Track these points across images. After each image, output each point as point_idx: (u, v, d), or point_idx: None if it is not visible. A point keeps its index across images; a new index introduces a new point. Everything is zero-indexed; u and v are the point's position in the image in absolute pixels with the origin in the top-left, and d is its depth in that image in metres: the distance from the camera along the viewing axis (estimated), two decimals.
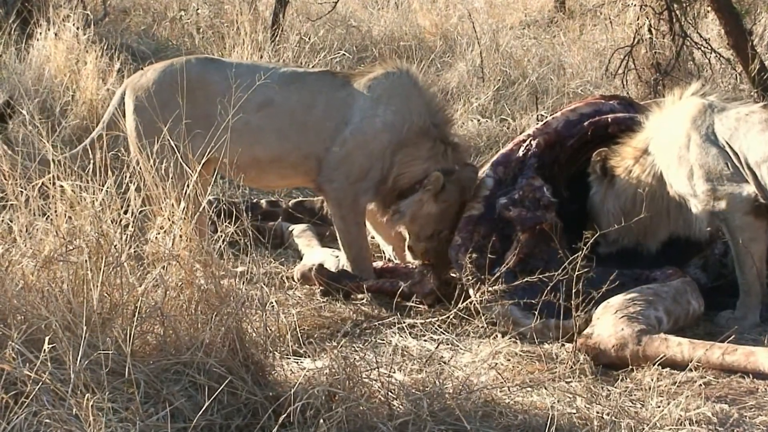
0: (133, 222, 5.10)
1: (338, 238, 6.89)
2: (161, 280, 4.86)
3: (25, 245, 4.89)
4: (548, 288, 5.53)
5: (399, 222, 6.73)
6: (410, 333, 5.90)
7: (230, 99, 6.23)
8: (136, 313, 4.65)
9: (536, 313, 5.66)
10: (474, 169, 6.84)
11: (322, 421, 4.42)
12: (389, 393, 4.72)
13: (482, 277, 5.97)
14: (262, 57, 10.49)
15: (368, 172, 6.69)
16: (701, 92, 6.51)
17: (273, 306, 5.44)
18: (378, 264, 6.88)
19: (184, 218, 5.14)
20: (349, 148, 6.65)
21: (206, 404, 4.46)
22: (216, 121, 6.39)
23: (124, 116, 6.82)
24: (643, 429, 4.71)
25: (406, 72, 6.83)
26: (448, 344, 5.85)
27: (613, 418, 4.81)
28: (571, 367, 5.47)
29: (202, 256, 4.98)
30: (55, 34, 9.92)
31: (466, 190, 6.67)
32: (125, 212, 5.07)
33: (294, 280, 7.00)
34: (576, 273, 5.42)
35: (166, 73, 6.86)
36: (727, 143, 6.23)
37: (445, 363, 5.31)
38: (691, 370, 5.43)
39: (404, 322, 5.92)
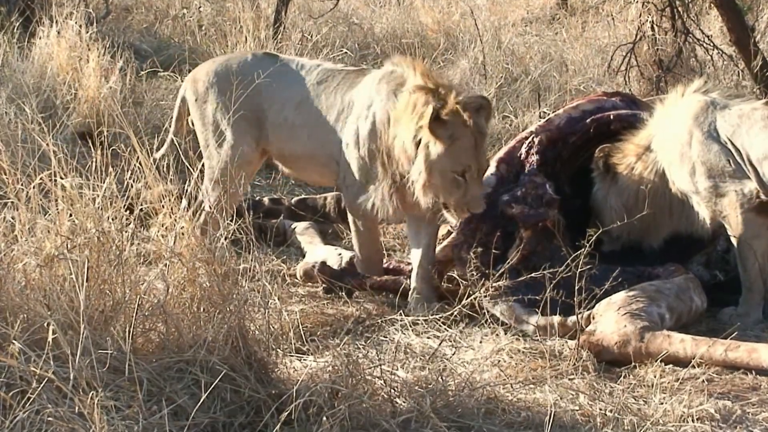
0: (135, 220, 5.12)
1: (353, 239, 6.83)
2: (163, 278, 4.86)
3: (27, 243, 4.90)
4: (551, 285, 5.52)
5: (418, 184, 6.18)
6: (413, 330, 5.90)
7: (274, 95, 6.63)
8: (136, 312, 4.64)
9: (539, 310, 5.66)
10: (468, 91, 6.70)
11: (324, 418, 4.43)
12: (392, 390, 4.73)
13: (486, 272, 5.97)
14: None
15: (368, 175, 6.46)
16: (703, 89, 6.51)
17: (275, 304, 5.43)
18: None
19: (186, 216, 5.15)
20: (350, 149, 6.54)
21: (209, 402, 4.47)
22: (267, 116, 6.72)
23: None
24: (646, 425, 4.71)
25: (395, 64, 6.57)
26: (450, 341, 5.84)
27: (615, 414, 4.82)
28: (574, 364, 5.48)
29: (204, 254, 4.98)
30: (58, 32, 9.92)
31: (469, 112, 6.12)
32: (127, 209, 5.07)
33: (297, 278, 7.00)
34: (579, 270, 5.42)
35: (222, 67, 6.94)
36: (730, 140, 6.23)
37: (447, 360, 5.32)
38: (693, 366, 5.44)
39: (407, 320, 5.92)
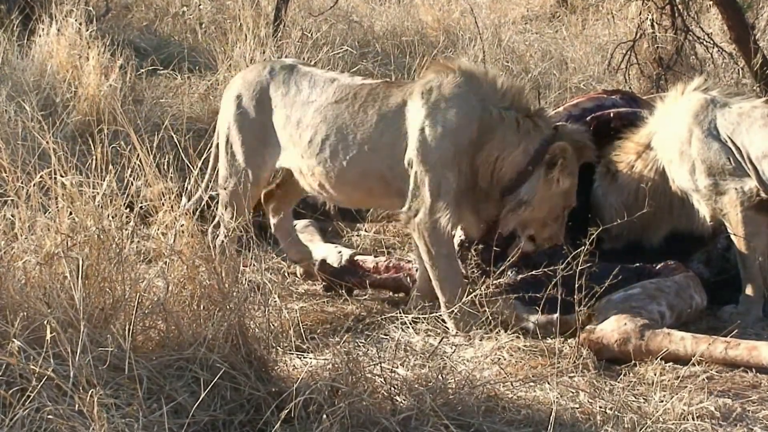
0: (134, 217, 5.12)
1: (430, 276, 6.24)
2: (163, 276, 4.86)
3: (27, 241, 4.90)
4: (552, 283, 5.52)
5: (524, 212, 6.06)
6: (413, 328, 5.89)
7: (289, 113, 6.41)
8: (136, 309, 4.63)
9: (539, 308, 5.66)
10: (573, 125, 6.42)
11: (324, 416, 4.42)
12: (392, 388, 4.72)
13: (487, 269, 5.96)
14: (264, 53, 10.47)
15: (439, 188, 6.03)
16: (703, 87, 6.50)
17: (276, 302, 5.43)
18: (381, 259, 6.86)
19: (186, 214, 5.16)
20: (416, 165, 6.08)
21: (209, 400, 4.47)
22: (281, 133, 6.49)
23: None
24: (646, 423, 4.70)
25: (458, 70, 6.18)
26: (450, 339, 5.83)
27: (616, 412, 4.81)
28: (574, 362, 5.47)
29: (204, 252, 4.98)
30: (58, 30, 9.92)
31: (583, 150, 6.19)
32: (127, 207, 5.08)
33: (297, 276, 7.00)
34: (579, 268, 5.42)
35: (241, 81, 6.71)
36: (729, 138, 6.23)
37: (447, 358, 5.31)
38: (694, 364, 5.44)
39: (407, 318, 5.91)
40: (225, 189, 6.57)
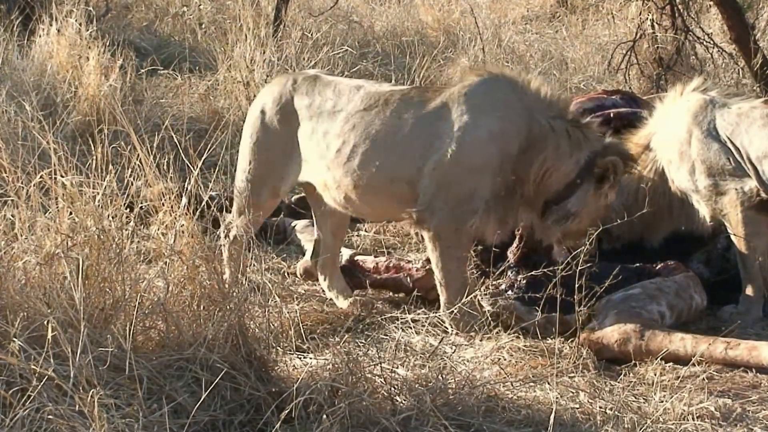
0: (135, 218, 5.12)
1: (435, 275, 6.12)
2: (163, 276, 4.86)
3: (27, 241, 4.90)
4: (552, 283, 5.51)
5: (570, 224, 5.99)
6: (413, 328, 5.89)
7: (315, 125, 6.24)
8: (136, 310, 4.63)
9: (539, 308, 5.66)
10: (615, 140, 6.32)
11: (325, 416, 4.42)
12: (392, 388, 4.72)
13: (486, 270, 5.96)
14: (264, 53, 10.48)
15: (474, 192, 5.90)
16: (703, 88, 6.50)
17: (276, 302, 5.43)
18: (381, 259, 6.87)
19: (186, 214, 5.16)
20: (448, 166, 5.91)
21: (209, 400, 4.47)
22: (304, 146, 6.33)
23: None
24: (646, 423, 4.70)
25: (502, 76, 6.13)
26: (450, 339, 5.83)
27: (616, 412, 4.81)
28: (574, 362, 5.47)
29: (205, 252, 4.98)
30: (58, 30, 9.93)
31: (628, 164, 6.11)
32: (127, 207, 5.08)
33: (297, 276, 7.00)
34: (579, 268, 5.41)
35: (266, 95, 6.59)
36: (729, 139, 6.23)
37: (447, 358, 5.31)
38: (694, 364, 5.43)
39: (407, 318, 5.91)
40: (241, 197, 6.44)
